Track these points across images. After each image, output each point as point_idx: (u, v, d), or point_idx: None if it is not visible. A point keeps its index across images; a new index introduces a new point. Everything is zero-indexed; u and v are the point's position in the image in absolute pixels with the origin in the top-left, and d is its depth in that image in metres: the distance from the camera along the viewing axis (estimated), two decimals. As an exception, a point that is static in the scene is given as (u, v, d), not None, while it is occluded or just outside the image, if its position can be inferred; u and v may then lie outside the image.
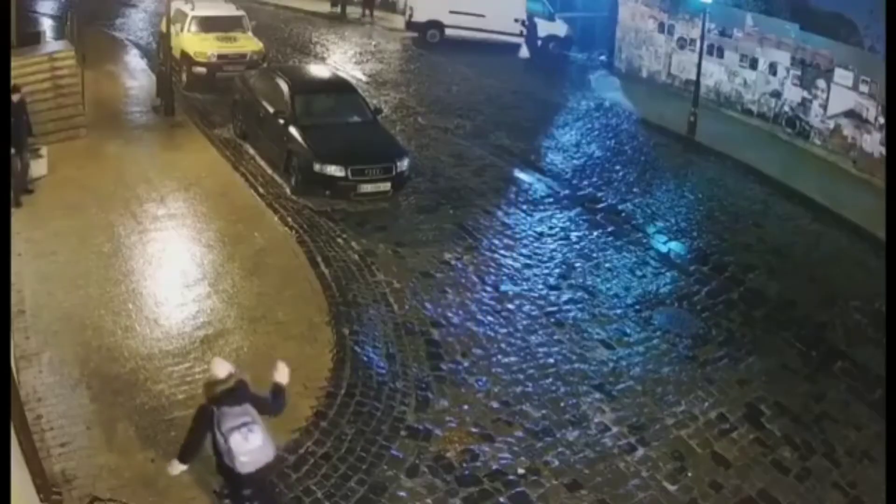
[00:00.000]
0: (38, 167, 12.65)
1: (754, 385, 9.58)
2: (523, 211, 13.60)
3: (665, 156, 17.32)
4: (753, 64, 19.42)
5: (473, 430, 8.25)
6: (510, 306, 10.61)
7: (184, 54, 18.24)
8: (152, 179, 13.09)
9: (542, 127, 18.35)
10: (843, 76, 16.91)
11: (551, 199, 14.22)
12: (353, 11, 28.57)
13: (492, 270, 11.51)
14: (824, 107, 17.49)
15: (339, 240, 11.81)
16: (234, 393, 6.01)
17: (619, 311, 10.81)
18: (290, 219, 12.22)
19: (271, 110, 14.06)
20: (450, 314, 10.26)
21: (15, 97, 11.73)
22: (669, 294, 11.42)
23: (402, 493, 7.30)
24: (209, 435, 6.03)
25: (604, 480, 7.80)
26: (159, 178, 13.18)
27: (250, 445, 5.96)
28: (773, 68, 18.89)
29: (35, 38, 16.87)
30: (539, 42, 25.03)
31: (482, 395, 8.80)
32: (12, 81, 11.66)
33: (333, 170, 12.79)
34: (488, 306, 10.56)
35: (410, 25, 25.60)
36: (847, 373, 10.04)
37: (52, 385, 8.05)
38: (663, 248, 12.81)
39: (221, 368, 6.10)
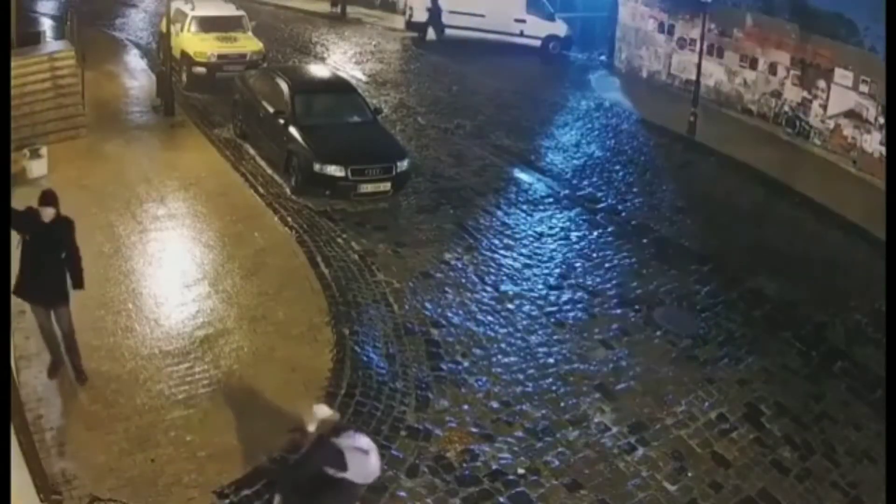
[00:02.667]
0: (38, 167, 12.65)
1: (754, 385, 9.58)
2: (523, 211, 13.60)
3: (665, 156, 17.32)
4: (753, 64, 19.43)
5: (473, 430, 8.25)
6: (510, 306, 10.61)
7: (184, 54, 18.25)
8: (152, 179, 13.09)
9: (542, 127, 18.36)
10: (843, 76, 16.91)
11: (551, 199, 14.22)
12: (354, 12, 28.58)
13: (492, 270, 11.51)
14: (824, 107, 17.49)
15: (339, 240, 11.81)
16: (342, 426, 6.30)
17: (619, 311, 10.81)
18: (290, 219, 12.22)
19: (271, 110, 14.07)
20: (450, 314, 10.26)
21: (48, 214, 7.81)
22: (669, 294, 11.42)
23: (402, 493, 7.31)
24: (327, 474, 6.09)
25: (604, 480, 7.80)
26: (159, 178, 13.18)
27: (367, 439, 6.17)
28: (773, 68, 18.90)
29: (35, 38, 16.88)
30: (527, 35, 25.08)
31: (482, 395, 8.80)
32: (47, 193, 7.97)
33: (333, 170, 12.80)
34: (488, 306, 10.56)
35: (410, 25, 25.61)
36: (847, 373, 10.04)
37: (52, 385, 8.05)
38: (663, 248, 12.80)
39: (327, 413, 6.28)
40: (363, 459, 6.05)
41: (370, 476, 6.18)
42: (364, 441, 6.12)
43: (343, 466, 5.99)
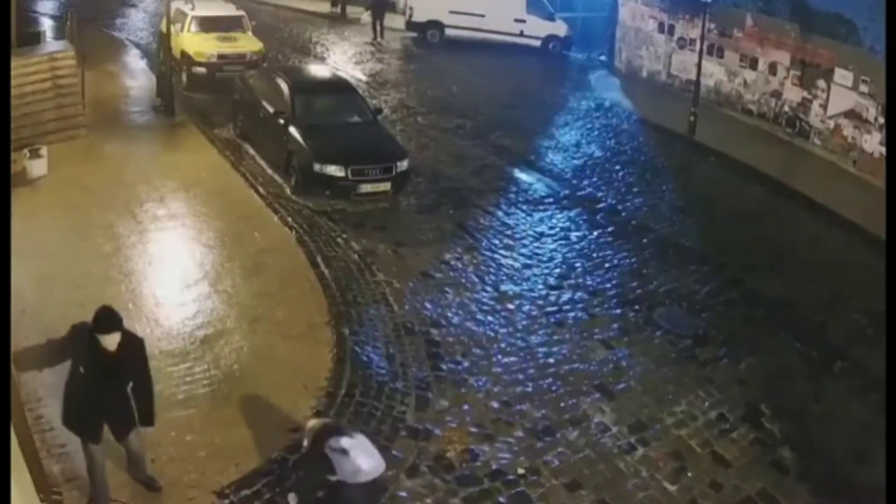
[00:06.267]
0: (38, 167, 12.65)
1: (754, 385, 9.57)
2: (523, 211, 13.60)
3: (665, 156, 17.32)
4: (753, 64, 19.43)
5: (473, 430, 8.25)
6: (510, 306, 10.61)
7: (184, 54, 18.25)
8: (152, 179, 13.08)
9: (542, 127, 18.36)
10: (843, 76, 16.91)
11: (551, 199, 14.22)
12: (354, 11, 28.57)
13: (492, 270, 11.51)
14: (824, 107, 17.49)
15: (339, 240, 11.81)
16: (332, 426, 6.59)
17: (619, 311, 10.81)
18: (290, 219, 12.22)
19: (271, 110, 14.07)
20: (450, 314, 10.26)
21: (112, 341, 6.06)
22: (669, 294, 11.42)
23: (402, 493, 7.30)
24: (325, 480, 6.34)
25: (604, 480, 7.79)
26: (159, 178, 13.18)
27: (347, 441, 6.28)
28: (773, 68, 18.90)
29: (35, 38, 16.84)
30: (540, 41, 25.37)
31: (482, 395, 8.80)
32: (106, 315, 6.16)
33: (333, 170, 12.81)
34: (488, 306, 10.56)
35: (410, 25, 25.63)
36: (847, 373, 10.04)
37: (52, 385, 8.01)
38: (663, 248, 12.79)
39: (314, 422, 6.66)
40: (344, 460, 6.18)
41: (362, 474, 6.26)
42: (344, 441, 6.25)
43: (332, 470, 6.15)
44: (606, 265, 12.04)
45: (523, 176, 15.26)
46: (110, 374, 6.17)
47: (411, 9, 25.41)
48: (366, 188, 13.06)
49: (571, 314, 10.62)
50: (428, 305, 10.39)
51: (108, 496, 6.66)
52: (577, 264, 11.99)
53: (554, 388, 9.07)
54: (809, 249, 13.44)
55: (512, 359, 9.51)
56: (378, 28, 25.44)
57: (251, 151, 14.79)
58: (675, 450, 8.31)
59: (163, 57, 17.50)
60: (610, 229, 13.23)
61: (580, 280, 11.52)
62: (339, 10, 28.52)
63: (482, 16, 24.82)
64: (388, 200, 13.33)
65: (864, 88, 16.39)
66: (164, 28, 18.28)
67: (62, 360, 6.39)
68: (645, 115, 19.62)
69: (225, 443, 7.52)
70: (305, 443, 6.50)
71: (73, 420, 6.45)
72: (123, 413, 6.48)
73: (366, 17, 26.15)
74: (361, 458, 6.29)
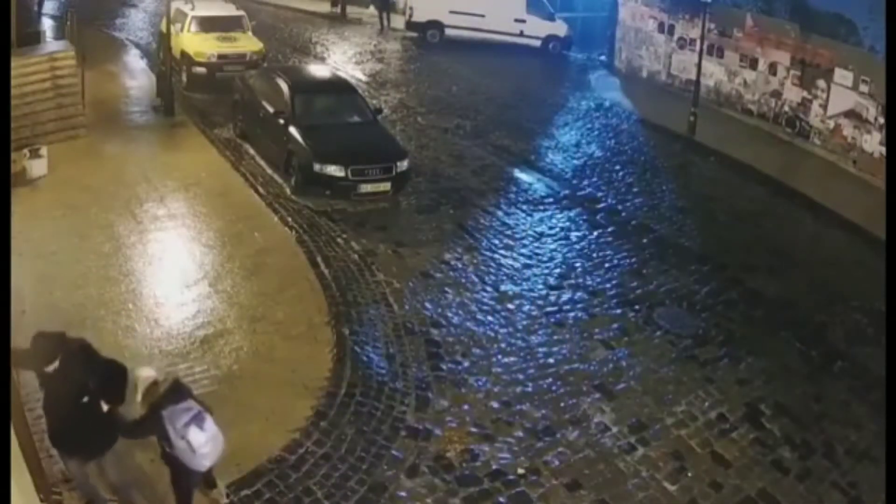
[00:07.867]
0: (38, 167, 12.66)
1: (754, 385, 9.58)
2: (523, 211, 13.60)
3: (665, 156, 17.32)
4: (753, 64, 19.43)
5: (473, 430, 8.25)
6: (510, 306, 10.61)
7: (184, 54, 18.25)
8: (152, 179, 13.09)
9: (542, 127, 18.35)
10: (843, 76, 16.91)
11: (551, 199, 14.22)
12: (354, 11, 28.61)
13: (492, 270, 11.51)
14: (824, 107, 17.49)
15: (339, 240, 11.82)
16: (177, 389, 6.20)
17: (619, 311, 10.81)
18: (290, 219, 12.23)
19: (271, 110, 14.07)
20: (450, 314, 10.26)
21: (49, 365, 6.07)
22: (669, 294, 11.42)
23: (402, 493, 7.31)
24: (160, 443, 6.15)
25: (604, 480, 7.80)
26: (159, 178, 13.18)
27: (207, 434, 6.10)
28: (773, 68, 18.90)
29: (35, 38, 16.85)
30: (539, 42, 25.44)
31: (482, 395, 8.80)
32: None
33: (333, 170, 12.81)
34: (488, 306, 10.56)
35: (410, 25, 25.66)
36: (847, 373, 10.04)
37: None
38: (663, 248, 12.79)
39: (150, 372, 6.25)
40: (186, 447, 5.97)
41: (195, 461, 6.04)
42: (186, 416, 5.99)
43: (169, 443, 6.03)
44: (606, 265, 12.04)
45: (523, 176, 15.26)
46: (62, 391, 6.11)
47: (411, 9, 25.43)
48: (366, 188, 13.06)
49: (571, 314, 10.62)
50: (428, 305, 10.39)
51: (105, 497, 6.67)
52: (577, 264, 11.99)
53: (554, 388, 9.08)
54: (809, 249, 13.44)
55: (512, 359, 9.51)
56: (384, 20, 26.85)
57: (251, 151, 14.79)
58: (675, 450, 8.32)
59: (163, 57, 17.51)
60: (610, 229, 13.23)
61: (580, 280, 11.52)
62: (339, 10, 28.55)
63: (482, 16, 24.83)
64: (388, 200, 13.33)
65: (864, 88, 16.39)
66: (164, 28, 18.28)
67: (29, 369, 6.51)
68: (645, 115, 19.62)
69: (225, 443, 7.50)
70: (139, 397, 6.01)
71: (54, 437, 6.43)
72: (96, 430, 6.24)
73: (371, 9, 27.84)
74: (202, 444, 6.02)
